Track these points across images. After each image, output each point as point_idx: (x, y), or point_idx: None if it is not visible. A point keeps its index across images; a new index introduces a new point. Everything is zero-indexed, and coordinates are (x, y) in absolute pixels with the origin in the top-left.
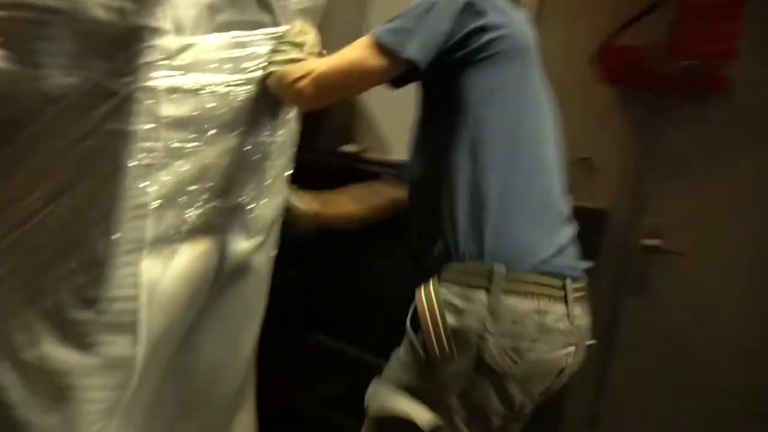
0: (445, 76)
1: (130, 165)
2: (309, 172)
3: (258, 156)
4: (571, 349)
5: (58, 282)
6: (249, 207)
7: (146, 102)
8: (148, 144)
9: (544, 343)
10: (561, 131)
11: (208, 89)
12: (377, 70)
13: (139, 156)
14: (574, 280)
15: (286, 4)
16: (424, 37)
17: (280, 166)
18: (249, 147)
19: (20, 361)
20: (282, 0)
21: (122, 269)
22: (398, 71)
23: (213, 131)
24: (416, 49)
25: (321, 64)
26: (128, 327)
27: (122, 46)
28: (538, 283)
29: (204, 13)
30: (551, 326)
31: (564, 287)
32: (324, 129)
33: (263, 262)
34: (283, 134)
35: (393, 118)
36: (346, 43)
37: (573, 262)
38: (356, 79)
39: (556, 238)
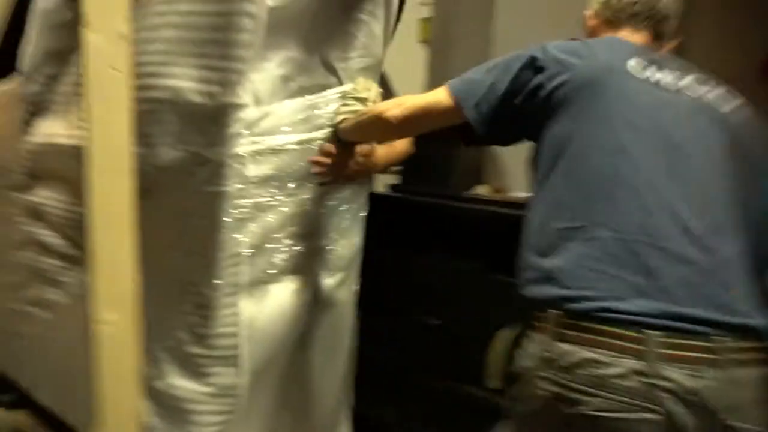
0: (528, 127)
1: (226, 220)
2: (445, 219)
3: (334, 202)
4: (650, 416)
5: (176, 322)
6: (330, 248)
7: (235, 165)
8: (239, 201)
9: (601, 399)
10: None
11: (286, 149)
12: (449, 116)
13: (232, 212)
14: (671, 330)
15: (348, 65)
16: (483, 99)
17: (355, 209)
18: (326, 195)
19: (153, 389)
20: (344, 62)
21: (224, 310)
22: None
23: (293, 185)
24: (474, 110)
25: (408, 99)
26: (232, 359)
27: (214, 121)
28: (595, 331)
29: (278, 83)
30: (611, 381)
31: (641, 338)
32: (453, 170)
33: (347, 295)
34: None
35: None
36: (471, 58)
37: (678, 308)
38: (432, 118)
39: (646, 279)
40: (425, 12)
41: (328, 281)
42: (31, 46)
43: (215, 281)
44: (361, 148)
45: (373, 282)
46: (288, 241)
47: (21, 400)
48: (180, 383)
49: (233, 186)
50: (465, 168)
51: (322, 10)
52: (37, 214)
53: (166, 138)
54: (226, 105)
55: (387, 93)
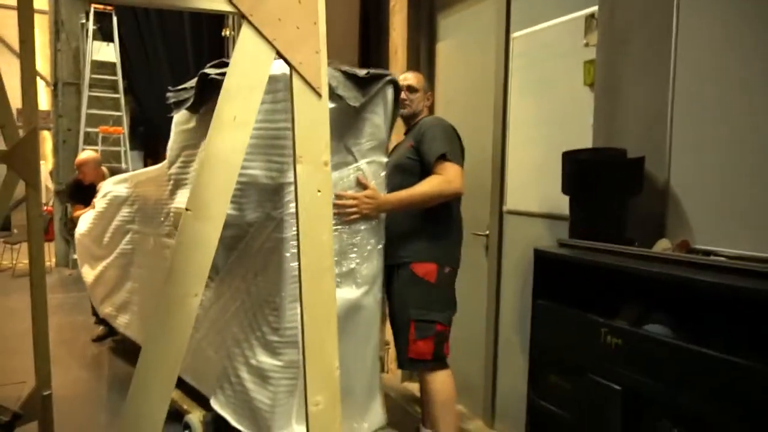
0: None
1: (286, 255)
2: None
3: (358, 237)
4: None
5: (261, 321)
6: (358, 267)
7: (290, 220)
8: (293, 242)
9: None
10: None
11: None
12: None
13: (290, 248)
14: None
15: (360, 147)
16: None
17: (375, 240)
18: (351, 231)
19: (249, 364)
20: (357, 145)
21: (289, 312)
22: None
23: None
24: None
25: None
26: (295, 344)
27: (276, 193)
28: None
29: None
30: None
31: None
32: (629, 221)
33: (372, 302)
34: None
35: (716, 201)
36: (642, 103)
37: None
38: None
39: None
40: (590, 54)
41: (355, 292)
42: (172, 142)
43: (283, 294)
44: (366, 193)
45: (554, 339)
46: None
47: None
48: (264, 359)
49: (290, 232)
50: (643, 218)
51: (342, 113)
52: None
53: (251, 204)
54: (282, 184)
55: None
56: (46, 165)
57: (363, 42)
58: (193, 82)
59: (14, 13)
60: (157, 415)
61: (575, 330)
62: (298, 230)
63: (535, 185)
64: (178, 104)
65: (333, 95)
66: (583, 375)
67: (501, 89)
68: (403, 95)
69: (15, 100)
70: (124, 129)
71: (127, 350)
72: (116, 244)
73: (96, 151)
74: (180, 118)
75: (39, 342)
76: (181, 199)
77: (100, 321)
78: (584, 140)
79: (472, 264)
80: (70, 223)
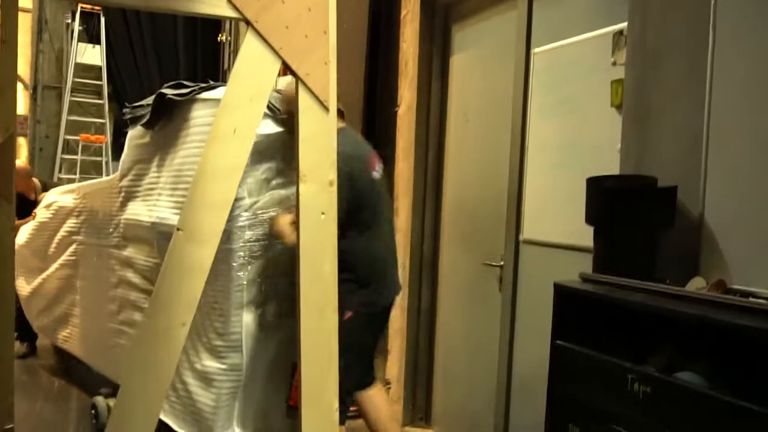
0: None
1: (234, 264)
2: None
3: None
4: None
5: (208, 327)
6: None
7: (238, 232)
8: (240, 253)
9: None
10: None
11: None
12: None
13: (238, 260)
14: None
15: None
16: None
17: None
18: (288, 249)
19: (195, 368)
20: None
21: (234, 318)
22: None
23: (267, 242)
24: None
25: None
26: (239, 348)
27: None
28: None
29: (261, 182)
30: None
31: None
32: (659, 256)
33: None
34: None
35: (756, 237)
36: (674, 127)
37: None
38: None
39: None
40: (618, 73)
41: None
42: (125, 155)
43: (230, 301)
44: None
45: (575, 384)
46: (270, 277)
47: (116, 391)
48: (209, 363)
49: (238, 243)
50: (675, 254)
51: (288, 136)
52: (128, 263)
53: None
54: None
55: None
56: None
57: (371, 53)
58: (150, 100)
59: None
60: None
61: (599, 375)
62: (297, 257)
63: (556, 214)
64: (134, 120)
65: (277, 118)
66: (606, 425)
67: (520, 108)
68: None
69: None
70: (107, 138)
71: (98, 378)
72: (59, 255)
73: (24, 164)
74: (134, 134)
75: (2, 370)
76: (132, 210)
77: (23, 338)
78: (610, 166)
79: (485, 297)
80: None
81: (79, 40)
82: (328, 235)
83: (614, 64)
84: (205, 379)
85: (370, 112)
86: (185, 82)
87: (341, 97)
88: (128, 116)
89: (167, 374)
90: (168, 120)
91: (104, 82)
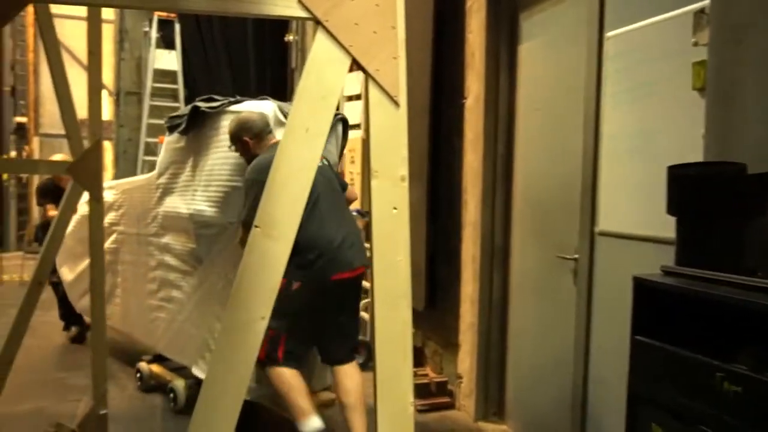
0: None
1: None
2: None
3: None
4: None
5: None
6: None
7: None
8: None
9: None
10: None
11: None
12: None
13: None
14: None
15: None
16: None
17: None
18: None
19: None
20: None
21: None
22: None
23: None
24: None
25: None
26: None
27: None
28: None
29: None
30: None
31: None
32: (747, 246)
33: None
34: None
35: None
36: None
37: None
38: None
39: None
40: (699, 54)
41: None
42: (162, 157)
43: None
44: None
45: (657, 382)
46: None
47: (156, 358)
48: None
49: None
50: (767, 245)
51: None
52: (166, 248)
53: (231, 208)
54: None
55: None
56: (107, 176)
57: (437, 45)
58: (185, 111)
59: (79, 24)
60: None
61: (683, 373)
62: (371, 250)
63: (634, 204)
64: (172, 128)
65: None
66: (692, 427)
67: (593, 95)
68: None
69: (79, 110)
70: None
71: (138, 348)
72: None
73: None
74: (170, 139)
75: (97, 360)
76: (170, 204)
77: (69, 324)
78: (693, 153)
79: (558, 290)
80: (41, 230)
81: (156, 47)
82: (401, 229)
83: (695, 44)
84: None
85: (437, 105)
86: (216, 96)
87: (409, 92)
88: (167, 125)
89: (248, 364)
90: (200, 128)
91: (180, 85)
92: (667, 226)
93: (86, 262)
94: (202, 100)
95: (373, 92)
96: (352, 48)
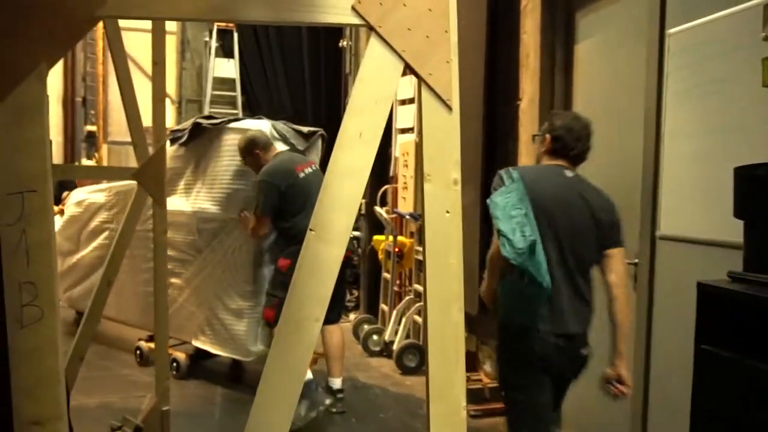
0: None
1: None
2: None
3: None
4: None
5: (239, 281)
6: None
7: None
8: None
9: None
10: None
11: None
12: None
13: None
14: None
15: None
16: None
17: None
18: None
19: (230, 308)
20: None
21: (258, 274)
22: None
23: None
24: None
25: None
26: (260, 294)
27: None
28: None
29: None
30: None
31: None
32: None
33: None
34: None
35: None
36: None
37: None
38: None
39: None
40: None
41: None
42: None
43: (254, 262)
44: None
45: (724, 395)
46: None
47: (152, 338)
48: (241, 303)
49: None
50: None
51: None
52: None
53: (231, 207)
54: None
55: None
56: None
57: (490, 47)
58: (187, 125)
59: (143, 36)
60: None
61: (752, 385)
62: (424, 253)
63: (698, 206)
64: (174, 140)
65: (288, 142)
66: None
67: (654, 94)
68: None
69: (144, 118)
70: None
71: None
72: (92, 240)
73: None
74: (171, 148)
75: (159, 357)
76: (171, 203)
77: None
78: (763, 153)
79: None
80: None
81: (215, 56)
82: (453, 232)
83: (766, 39)
84: (238, 314)
85: (491, 107)
86: (214, 114)
87: (462, 94)
88: (169, 137)
89: (303, 364)
90: (199, 140)
91: (238, 93)
92: (733, 230)
93: (75, 257)
94: (202, 118)
95: (426, 96)
96: (405, 53)
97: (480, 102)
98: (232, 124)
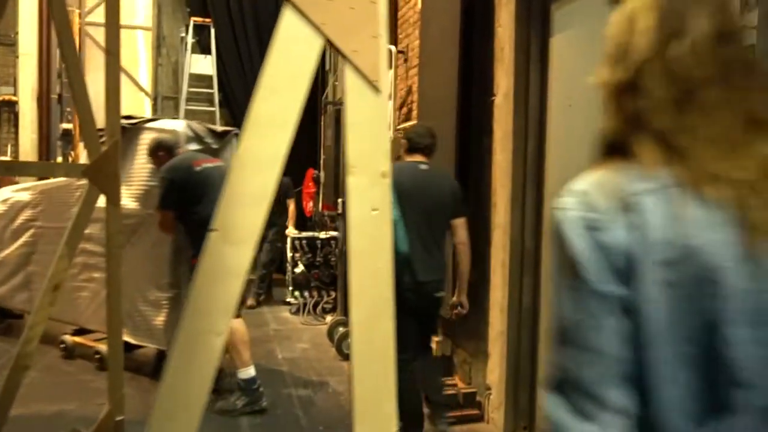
0: None
1: None
2: None
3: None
4: None
5: (159, 274)
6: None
7: None
8: None
9: None
10: None
11: None
12: None
13: None
14: None
15: None
16: None
17: None
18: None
19: (148, 299)
20: None
21: (175, 266)
22: None
23: None
24: None
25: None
26: (177, 285)
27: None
28: None
29: None
30: None
31: None
32: None
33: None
34: None
35: None
36: None
37: None
38: None
39: None
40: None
41: None
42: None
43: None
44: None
45: None
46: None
47: (77, 332)
48: (159, 294)
49: None
50: None
51: (208, 152)
52: (88, 237)
53: (149, 202)
54: None
55: None
56: None
57: (465, 39)
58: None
59: (127, 32)
60: None
61: None
62: (347, 257)
63: None
64: None
65: (203, 141)
66: None
67: None
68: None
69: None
70: None
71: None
72: (17, 238)
73: None
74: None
75: (113, 364)
76: None
77: None
78: None
79: None
80: None
81: (192, 52)
82: (381, 233)
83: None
84: (157, 305)
85: (465, 102)
86: (133, 115)
87: (436, 88)
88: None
89: (206, 380)
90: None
91: (215, 90)
92: None
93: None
94: (123, 118)
95: (351, 76)
96: (325, 26)
97: (454, 96)
98: (149, 124)
